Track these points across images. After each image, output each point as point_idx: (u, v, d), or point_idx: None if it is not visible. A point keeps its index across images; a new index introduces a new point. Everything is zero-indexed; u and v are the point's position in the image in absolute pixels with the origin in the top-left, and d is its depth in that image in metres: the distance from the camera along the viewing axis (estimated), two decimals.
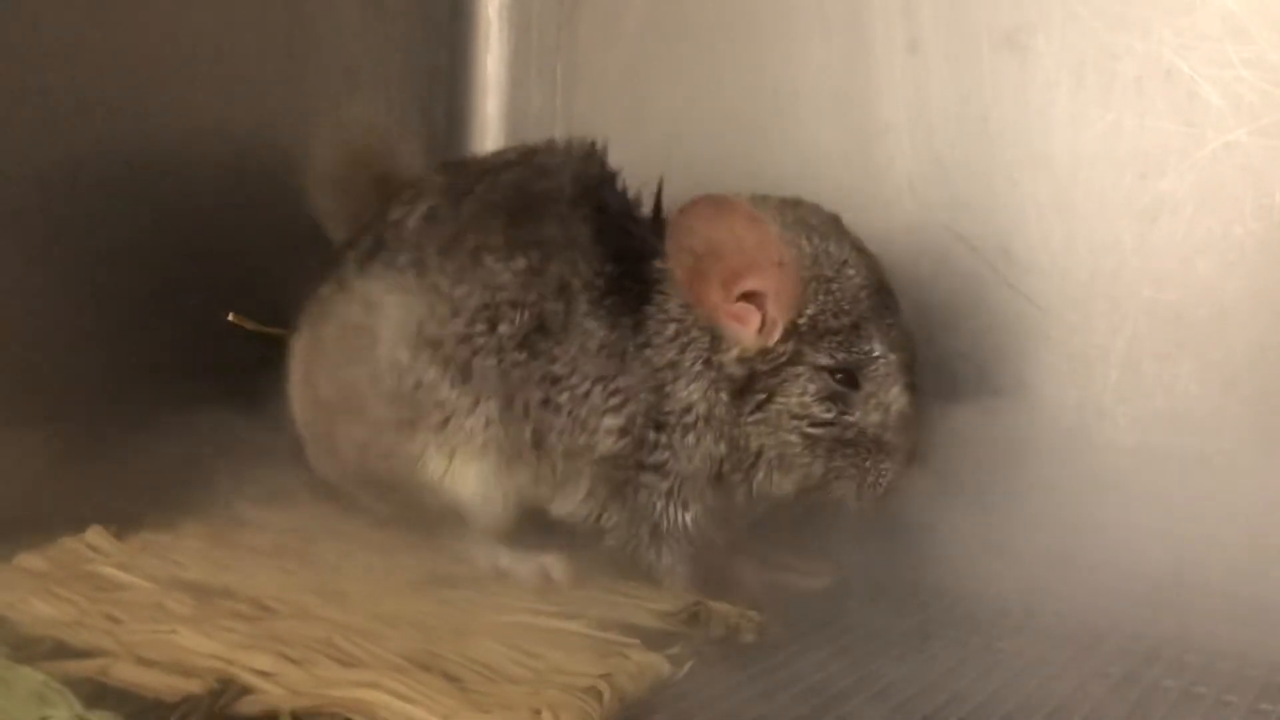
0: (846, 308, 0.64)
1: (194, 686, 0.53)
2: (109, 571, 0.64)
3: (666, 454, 0.65)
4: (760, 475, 0.66)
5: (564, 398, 0.66)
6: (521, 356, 0.66)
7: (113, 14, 0.73)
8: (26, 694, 0.51)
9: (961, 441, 0.74)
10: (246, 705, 0.52)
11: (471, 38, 0.96)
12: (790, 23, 0.79)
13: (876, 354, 0.64)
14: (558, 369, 0.66)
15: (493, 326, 0.66)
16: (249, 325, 0.73)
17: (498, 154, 0.73)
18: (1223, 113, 0.67)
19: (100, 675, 0.54)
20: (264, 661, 0.55)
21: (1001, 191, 0.73)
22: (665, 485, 0.66)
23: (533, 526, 0.70)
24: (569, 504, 0.68)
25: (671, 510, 0.66)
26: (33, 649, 0.55)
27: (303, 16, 0.85)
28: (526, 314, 0.66)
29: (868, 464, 0.64)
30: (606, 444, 0.66)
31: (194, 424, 0.70)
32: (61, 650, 0.56)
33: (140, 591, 0.62)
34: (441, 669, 0.55)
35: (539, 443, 0.66)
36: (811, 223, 0.65)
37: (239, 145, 0.76)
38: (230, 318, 0.74)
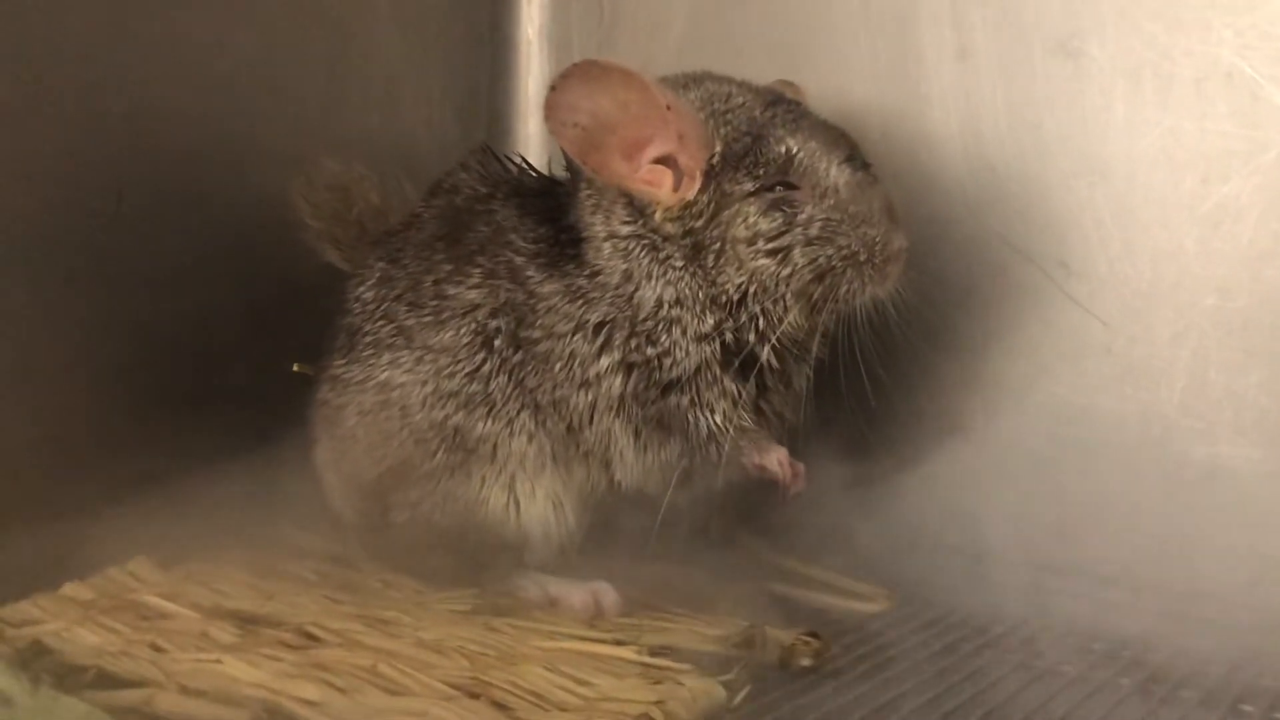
0: (746, 129, 0.63)
1: (240, 716, 0.52)
2: (153, 600, 0.63)
3: (669, 361, 0.64)
4: (762, 322, 0.63)
5: (558, 368, 0.64)
6: (519, 357, 0.65)
7: (155, 41, 0.73)
8: None
9: (1022, 459, 0.73)
10: None
11: (512, 58, 0.96)
12: (835, 35, 0.79)
13: (794, 150, 0.63)
14: (543, 346, 0.65)
15: (490, 347, 0.66)
16: (312, 371, 0.73)
17: (413, 208, 0.73)
18: None
19: (145, 705, 0.53)
20: (310, 691, 0.54)
21: (1057, 201, 0.71)
22: (686, 398, 0.64)
23: (582, 557, 0.69)
24: (629, 471, 0.66)
25: (701, 420, 0.64)
26: (77, 678, 0.55)
27: (344, 38, 0.85)
28: (505, 316, 0.65)
29: (851, 244, 0.62)
30: (614, 386, 0.64)
31: (237, 452, 0.70)
32: (106, 680, 0.55)
33: (185, 620, 0.62)
34: (490, 697, 0.55)
35: (570, 427, 0.65)
36: (682, 79, 0.66)
37: (281, 168, 0.75)
38: (295, 368, 0.74)
